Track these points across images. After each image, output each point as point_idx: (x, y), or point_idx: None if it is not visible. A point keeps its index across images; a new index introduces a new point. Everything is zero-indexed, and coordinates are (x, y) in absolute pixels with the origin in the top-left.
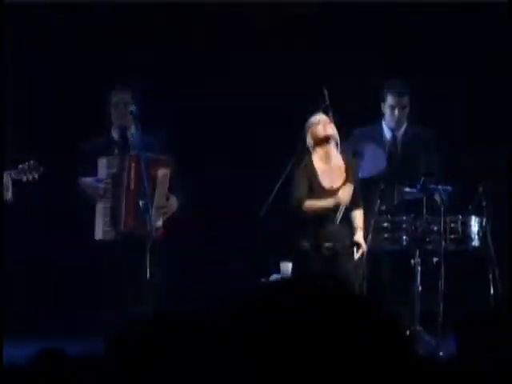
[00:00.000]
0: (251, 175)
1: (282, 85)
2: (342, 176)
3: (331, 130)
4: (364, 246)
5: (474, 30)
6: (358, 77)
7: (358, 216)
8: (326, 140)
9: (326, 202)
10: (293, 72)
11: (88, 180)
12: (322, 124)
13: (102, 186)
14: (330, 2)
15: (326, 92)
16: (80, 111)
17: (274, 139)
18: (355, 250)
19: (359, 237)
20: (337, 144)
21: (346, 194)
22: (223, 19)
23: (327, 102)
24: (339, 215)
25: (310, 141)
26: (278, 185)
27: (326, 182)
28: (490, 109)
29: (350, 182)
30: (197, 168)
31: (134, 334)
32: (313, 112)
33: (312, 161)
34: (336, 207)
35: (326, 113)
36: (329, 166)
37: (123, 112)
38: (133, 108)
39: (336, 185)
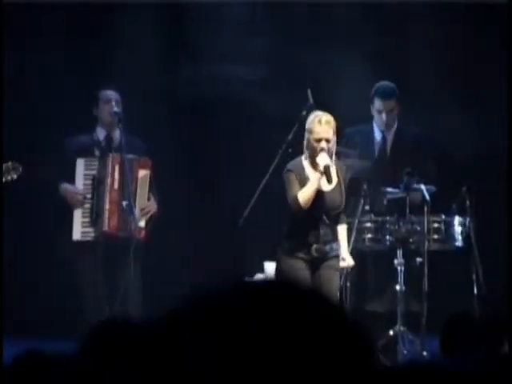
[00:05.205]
0: (235, 174)
1: (269, 86)
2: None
3: (325, 157)
4: (351, 261)
5: (474, 30)
6: (353, 76)
7: (342, 232)
8: (321, 150)
9: (312, 180)
10: (280, 72)
11: (70, 188)
12: (320, 146)
13: (82, 193)
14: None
15: (309, 92)
16: (66, 110)
17: (259, 141)
18: (341, 263)
19: (344, 252)
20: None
21: (325, 157)
22: (210, 17)
23: (311, 102)
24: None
25: (304, 143)
26: (261, 185)
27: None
28: (480, 108)
29: (341, 186)
30: (180, 169)
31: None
32: (297, 113)
33: (302, 163)
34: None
35: (310, 112)
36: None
37: (110, 112)
38: (117, 109)
39: (325, 189)
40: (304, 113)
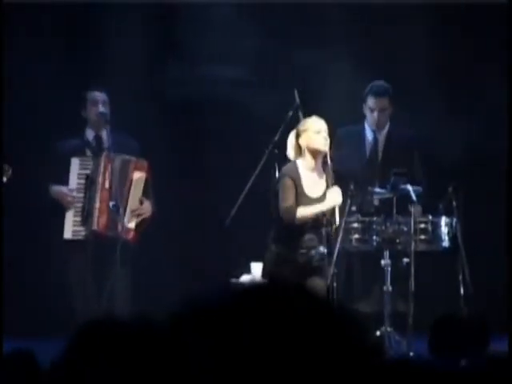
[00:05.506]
0: (222, 174)
1: (257, 87)
2: (323, 185)
3: (328, 145)
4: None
5: (474, 30)
6: (341, 77)
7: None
8: (320, 154)
9: (319, 207)
10: (269, 72)
11: (59, 189)
12: (322, 136)
13: (73, 194)
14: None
15: (296, 92)
16: (55, 111)
17: (246, 141)
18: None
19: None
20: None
21: (337, 195)
22: (199, 18)
23: (298, 102)
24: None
25: (302, 145)
26: (248, 185)
27: (311, 190)
28: (475, 108)
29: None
30: (167, 169)
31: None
32: (285, 113)
33: (297, 167)
34: (330, 211)
35: (296, 113)
36: (313, 173)
37: (96, 113)
38: (103, 109)
39: (318, 194)
40: (290, 113)
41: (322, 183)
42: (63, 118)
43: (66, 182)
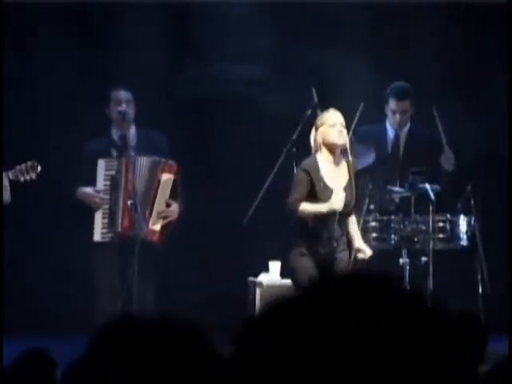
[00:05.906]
0: (239, 174)
1: (274, 86)
2: (345, 176)
3: (344, 137)
4: (368, 251)
5: (474, 30)
6: (357, 75)
7: (353, 224)
8: (337, 147)
9: (320, 207)
10: (285, 71)
11: (86, 191)
12: (337, 129)
13: (100, 195)
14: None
15: (314, 91)
16: (81, 111)
17: (263, 140)
18: (358, 255)
19: (360, 243)
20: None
21: (339, 200)
22: (216, 17)
23: (315, 101)
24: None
25: (319, 139)
26: (265, 184)
27: (332, 182)
28: (482, 108)
29: (352, 183)
30: (184, 168)
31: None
32: (298, 112)
33: (317, 161)
34: (330, 213)
35: (315, 111)
36: (332, 165)
37: (117, 112)
38: (124, 108)
39: (340, 186)
40: (309, 112)
41: (344, 175)
42: (90, 118)
43: (93, 182)
